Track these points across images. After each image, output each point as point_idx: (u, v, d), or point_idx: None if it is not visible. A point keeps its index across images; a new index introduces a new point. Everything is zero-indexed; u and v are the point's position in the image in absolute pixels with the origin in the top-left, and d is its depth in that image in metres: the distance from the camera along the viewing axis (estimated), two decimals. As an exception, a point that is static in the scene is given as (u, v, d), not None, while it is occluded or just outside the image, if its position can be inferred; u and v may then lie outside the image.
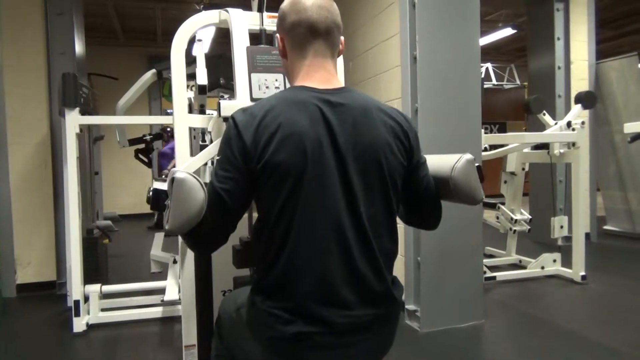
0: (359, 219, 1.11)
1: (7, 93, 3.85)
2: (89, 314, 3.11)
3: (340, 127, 1.10)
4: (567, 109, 5.00)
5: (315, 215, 1.07)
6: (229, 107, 1.63)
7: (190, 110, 3.30)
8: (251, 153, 1.06)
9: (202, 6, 6.46)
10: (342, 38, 1.23)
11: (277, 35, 1.24)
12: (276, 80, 1.67)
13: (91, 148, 4.31)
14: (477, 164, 1.28)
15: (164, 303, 3.20)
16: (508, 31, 7.96)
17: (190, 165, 1.79)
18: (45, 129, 3.95)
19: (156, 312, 3.24)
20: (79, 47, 4.20)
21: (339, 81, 1.21)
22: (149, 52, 8.58)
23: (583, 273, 3.84)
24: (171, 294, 3.10)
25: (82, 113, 3.07)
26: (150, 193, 2.82)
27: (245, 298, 1.22)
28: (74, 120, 2.95)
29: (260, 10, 1.86)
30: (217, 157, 1.12)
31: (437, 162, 1.31)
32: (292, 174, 1.06)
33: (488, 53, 10.11)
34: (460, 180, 1.24)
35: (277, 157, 1.05)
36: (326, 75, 1.18)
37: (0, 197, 3.88)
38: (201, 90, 2.53)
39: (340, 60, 1.98)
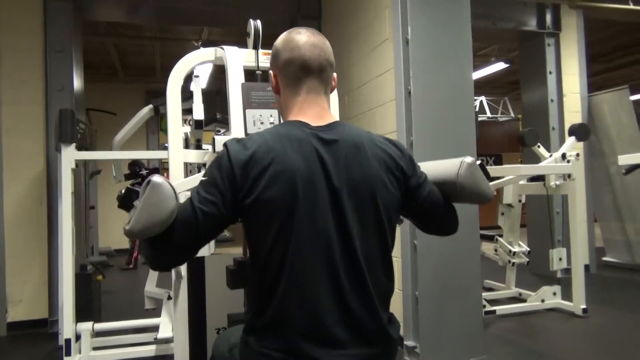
0: (354, 256, 1.09)
1: (5, 128, 3.87)
2: (80, 353, 3.02)
3: (334, 164, 1.10)
4: (562, 141, 5.04)
5: (306, 254, 1.06)
6: (223, 142, 1.63)
7: (187, 145, 3.32)
8: (239, 184, 1.05)
9: (200, 43, 6.59)
10: (334, 74, 1.25)
11: (271, 72, 1.25)
12: (271, 116, 1.68)
13: (87, 183, 4.29)
14: (479, 162, 1.27)
15: (157, 341, 3.12)
16: (500, 65, 8.11)
17: (178, 186, 1.76)
18: (42, 164, 3.94)
19: (149, 350, 3.16)
20: (77, 83, 4.25)
21: (332, 116, 1.21)
22: (148, 87, 8.70)
23: (584, 306, 3.79)
24: (165, 331, 3.03)
25: (79, 148, 3.07)
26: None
27: (239, 337, 1.19)
28: (69, 156, 2.95)
29: (255, 47, 1.88)
30: (203, 178, 1.10)
31: (439, 171, 1.30)
32: (282, 212, 1.05)
33: (482, 87, 10.28)
34: (467, 184, 1.24)
35: (267, 194, 1.04)
36: (319, 111, 1.19)
37: (-7, 232, 3.85)
38: (198, 125, 2.54)
39: (334, 95, 2.00)
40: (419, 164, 1.31)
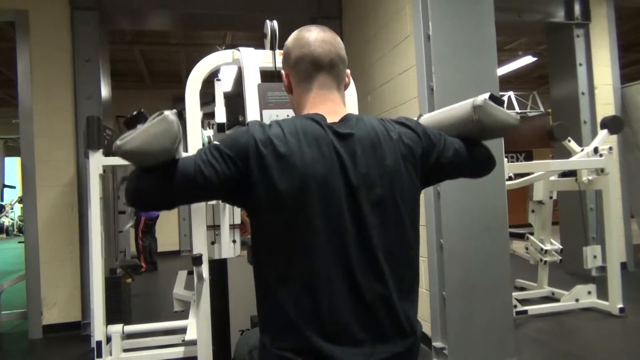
0: (372, 253, 1.07)
1: (37, 136, 3.99)
2: (111, 354, 3.08)
3: (351, 159, 1.08)
4: (594, 135, 4.87)
5: (320, 251, 1.04)
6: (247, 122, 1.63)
7: (210, 148, 3.34)
8: (250, 166, 1.03)
9: (223, 47, 6.66)
10: (347, 71, 1.23)
11: (283, 71, 1.24)
12: (287, 116, 1.67)
13: (115, 188, 4.39)
14: (488, 95, 1.22)
15: (185, 343, 3.16)
16: (528, 59, 7.91)
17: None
18: (73, 170, 4.05)
19: (178, 352, 3.20)
20: (105, 91, 4.35)
21: (347, 111, 1.19)
22: (174, 93, 8.82)
23: (621, 305, 3.65)
24: (192, 333, 3.05)
25: (106, 154, 3.13)
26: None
27: (257, 339, 1.18)
28: (97, 162, 3.01)
29: (272, 48, 1.88)
30: (216, 142, 1.07)
31: (456, 120, 1.27)
32: (294, 207, 1.03)
33: (510, 82, 10.06)
34: (489, 124, 1.21)
35: (280, 188, 1.02)
36: (332, 106, 1.17)
37: (28, 239, 3.97)
38: (220, 128, 2.56)
39: (353, 94, 1.98)
40: (428, 115, 1.33)
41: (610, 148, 3.78)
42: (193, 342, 3.09)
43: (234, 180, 1.05)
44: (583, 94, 5.21)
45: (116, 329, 3.11)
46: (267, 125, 1.10)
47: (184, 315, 3.47)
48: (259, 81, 1.77)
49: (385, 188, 1.09)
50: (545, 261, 4.22)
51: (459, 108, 1.26)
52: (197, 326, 1.91)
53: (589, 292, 3.92)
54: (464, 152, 1.24)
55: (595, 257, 3.86)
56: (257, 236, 1.11)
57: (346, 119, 1.14)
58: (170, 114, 1.01)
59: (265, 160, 1.03)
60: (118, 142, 0.98)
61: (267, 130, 1.07)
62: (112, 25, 4.90)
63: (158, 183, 1.03)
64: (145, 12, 4.67)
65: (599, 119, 4.58)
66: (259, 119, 1.68)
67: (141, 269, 7.02)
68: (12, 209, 14.39)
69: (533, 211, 4.27)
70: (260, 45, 2.05)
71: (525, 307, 3.75)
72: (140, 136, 0.98)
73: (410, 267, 1.15)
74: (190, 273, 3.52)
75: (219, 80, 2.88)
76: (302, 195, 1.03)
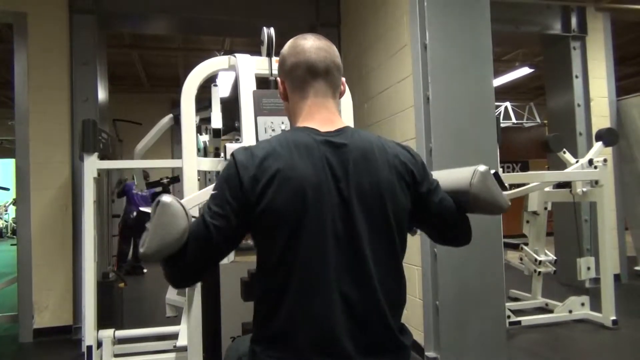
0: (363, 264, 1.07)
1: (32, 139, 3.97)
2: (101, 359, 3.06)
3: (343, 169, 1.08)
4: (589, 147, 4.89)
5: (315, 263, 1.04)
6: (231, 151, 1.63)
7: (206, 154, 3.35)
8: (247, 195, 1.04)
9: (222, 53, 6.67)
10: (343, 79, 1.23)
11: (278, 79, 1.24)
12: (282, 122, 1.67)
13: (111, 192, 4.37)
14: (493, 171, 1.22)
15: (176, 349, 3.13)
16: (525, 70, 7.97)
17: (190, 201, 1.75)
18: (67, 173, 4.03)
19: (169, 358, 3.17)
20: (101, 95, 4.34)
21: (342, 121, 1.19)
22: (172, 97, 8.85)
23: (614, 317, 3.65)
24: (184, 339, 3.03)
25: (101, 158, 3.13)
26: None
27: (247, 347, 1.18)
28: (92, 165, 3.00)
29: (269, 55, 1.89)
30: (213, 192, 1.09)
31: (452, 179, 1.26)
32: (290, 221, 1.03)
33: (507, 92, 10.11)
34: (481, 194, 1.19)
35: (276, 203, 1.03)
36: (328, 115, 1.17)
37: (21, 241, 3.94)
38: (216, 133, 2.56)
39: (349, 102, 1.99)
40: (431, 172, 1.28)
41: (605, 160, 3.79)
42: (184, 349, 3.06)
43: (245, 215, 1.05)
44: (579, 105, 5.24)
45: (107, 333, 3.09)
46: (254, 147, 1.11)
47: (176, 320, 3.45)
48: (255, 88, 1.77)
49: (375, 200, 1.09)
50: (540, 272, 4.22)
51: (458, 170, 1.26)
52: (187, 332, 1.90)
53: (583, 304, 3.92)
54: (449, 208, 1.23)
55: (589, 268, 3.86)
56: (258, 251, 1.11)
57: (343, 130, 1.14)
58: (165, 198, 1.03)
59: (260, 182, 1.03)
60: (141, 251, 1.02)
61: (254, 151, 1.08)
62: (111, 29, 4.91)
63: (188, 264, 1.06)
64: (144, 17, 4.68)
65: (594, 131, 4.60)
66: (253, 125, 1.68)
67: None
68: (6, 210, 14.31)
69: (528, 222, 4.28)
70: (259, 52, 2.06)
71: (519, 318, 3.75)
72: (154, 235, 1.01)
73: (397, 280, 1.14)
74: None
75: (215, 85, 2.89)
76: (299, 208, 1.03)
